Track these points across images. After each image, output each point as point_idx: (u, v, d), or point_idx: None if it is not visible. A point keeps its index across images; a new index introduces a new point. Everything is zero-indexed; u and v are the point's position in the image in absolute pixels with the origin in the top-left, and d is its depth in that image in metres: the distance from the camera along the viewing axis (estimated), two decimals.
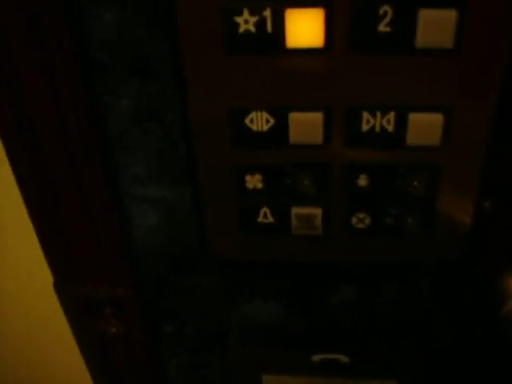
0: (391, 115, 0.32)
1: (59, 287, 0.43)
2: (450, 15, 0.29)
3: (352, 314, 0.42)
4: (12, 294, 0.74)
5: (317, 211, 0.35)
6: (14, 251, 0.69)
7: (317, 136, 0.33)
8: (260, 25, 0.29)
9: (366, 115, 0.32)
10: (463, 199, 0.35)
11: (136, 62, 0.32)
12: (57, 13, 0.31)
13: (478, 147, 0.33)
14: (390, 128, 0.32)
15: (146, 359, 0.48)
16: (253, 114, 0.32)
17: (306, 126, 0.32)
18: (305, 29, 0.30)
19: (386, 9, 0.29)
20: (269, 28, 0.29)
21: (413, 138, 0.32)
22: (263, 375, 0.46)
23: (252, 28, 0.30)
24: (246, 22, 0.29)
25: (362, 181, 0.34)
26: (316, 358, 0.44)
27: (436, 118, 0.32)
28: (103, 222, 0.39)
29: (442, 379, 0.45)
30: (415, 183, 0.34)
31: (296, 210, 0.36)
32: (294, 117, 0.32)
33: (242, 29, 0.30)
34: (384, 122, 0.32)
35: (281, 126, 0.32)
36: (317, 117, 0.32)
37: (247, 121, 0.32)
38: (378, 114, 0.32)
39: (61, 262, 0.42)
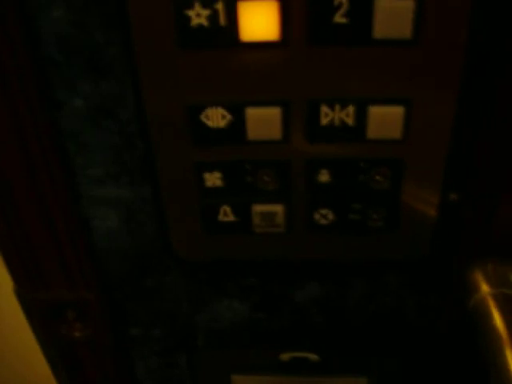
0: (350, 108, 0.31)
1: (20, 291, 0.42)
2: (408, 4, 0.28)
3: (319, 312, 0.41)
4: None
5: (278, 208, 0.35)
6: None
7: (275, 131, 0.32)
8: (213, 18, 0.28)
9: (324, 108, 0.31)
10: (428, 193, 0.35)
11: (89, 59, 0.31)
12: (8, 10, 0.29)
13: (440, 139, 0.33)
14: (350, 121, 0.31)
15: (113, 362, 0.47)
16: (208, 110, 0.31)
17: (263, 121, 0.32)
18: (259, 22, 0.29)
19: None
20: (222, 21, 0.29)
21: (373, 131, 0.32)
22: (232, 375, 0.45)
23: (205, 21, 0.29)
24: (198, 15, 0.28)
25: (324, 176, 0.33)
26: (285, 356, 0.43)
27: (396, 111, 0.31)
28: (62, 224, 0.38)
29: (412, 374, 0.45)
30: (378, 177, 0.33)
31: (257, 208, 0.35)
32: (251, 112, 0.31)
33: (194, 22, 0.29)
34: (343, 115, 0.31)
35: (238, 122, 0.32)
36: (274, 112, 0.31)
37: (203, 117, 0.32)
38: (337, 107, 0.31)
39: (20, 267, 0.41)
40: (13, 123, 0.33)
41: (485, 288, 0.35)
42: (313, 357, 0.44)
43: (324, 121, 0.31)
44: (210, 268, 0.39)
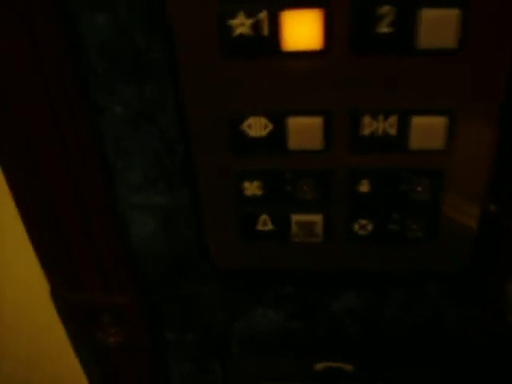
0: (393, 118, 0.31)
1: (56, 294, 0.42)
2: (452, 14, 0.28)
3: (355, 322, 0.41)
4: (11, 299, 0.74)
5: (317, 218, 0.35)
6: (12, 256, 0.68)
7: (317, 141, 0.32)
8: (256, 27, 0.28)
9: (367, 119, 0.31)
10: (468, 204, 0.34)
11: (131, 66, 0.31)
12: (50, 16, 0.30)
13: (483, 151, 0.32)
14: (393, 132, 0.31)
15: (147, 367, 0.47)
16: (250, 119, 0.31)
17: (305, 131, 0.31)
18: (302, 31, 0.29)
19: (386, 9, 0.28)
20: (265, 31, 0.29)
21: (416, 141, 0.31)
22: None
23: (248, 31, 0.29)
24: (241, 24, 0.28)
25: (364, 186, 0.33)
26: (319, 366, 0.43)
27: (439, 121, 0.31)
28: (101, 228, 0.38)
29: None
30: (418, 188, 0.33)
31: (296, 217, 0.35)
32: (293, 122, 0.31)
33: (237, 32, 0.29)
34: (386, 125, 0.31)
35: (279, 132, 0.31)
36: (316, 121, 0.31)
37: (245, 126, 0.32)
38: (380, 118, 0.31)
39: (57, 269, 0.41)
40: (53, 127, 0.34)
41: None
42: (347, 367, 0.43)
43: (366, 131, 0.31)
44: (245, 276, 0.39)
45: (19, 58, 0.31)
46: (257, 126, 0.31)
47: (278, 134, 0.32)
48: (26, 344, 0.80)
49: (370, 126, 0.31)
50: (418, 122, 0.31)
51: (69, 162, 0.35)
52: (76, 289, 0.41)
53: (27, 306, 0.73)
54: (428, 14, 0.28)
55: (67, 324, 0.43)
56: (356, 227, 0.35)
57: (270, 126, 0.31)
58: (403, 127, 0.31)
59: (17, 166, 0.36)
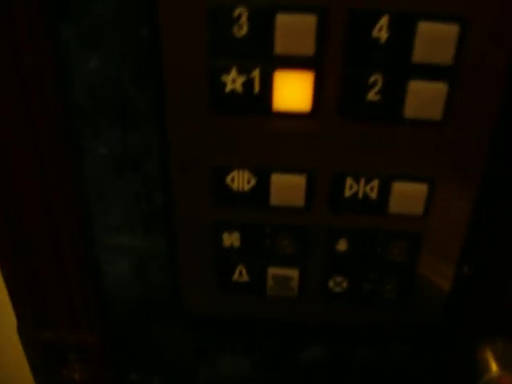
0: (375, 183, 0.31)
1: (23, 331, 0.42)
2: (440, 87, 0.28)
3: (323, 374, 0.41)
4: None
5: (294, 272, 0.35)
6: None
7: (298, 199, 0.32)
8: (247, 85, 0.29)
9: (349, 181, 0.31)
10: (443, 266, 0.35)
11: (119, 111, 0.31)
12: (42, 56, 0.30)
13: (459, 216, 0.33)
14: (373, 195, 0.32)
15: None
16: (234, 173, 0.32)
17: (288, 188, 0.32)
18: (293, 92, 0.29)
19: (376, 77, 0.28)
20: (256, 89, 0.29)
21: (395, 206, 0.32)
22: None
23: (239, 88, 0.29)
24: (233, 81, 0.29)
25: (342, 245, 0.34)
26: None
27: (420, 188, 0.31)
28: (74, 267, 0.38)
29: None
30: (395, 250, 0.34)
31: (272, 271, 0.35)
32: (277, 178, 0.31)
33: (228, 88, 0.29)
34: (367, 188, 0.31)
35: (262, 187, 0.32)
36: (299, 179, 0.31)
37: (228, 179, 0.32)
38: (362, 181, 0.31)
39: (26, 305, 0.40)
40: (34, 164, 0.33)
41: (494, 368, 0.35)
42: None
43: (348, 193, 0.32)
44: (217, 323, 0.39)
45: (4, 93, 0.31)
46: (240, 180, 0.32)
47: (261, 189, 0.32)
48: None
49: (351, 188, 0.31)
50: (398, 187, 0.31)
51: (46, 198, 0.35)
52: (44, 326, 0.41)
53: None
54: (416, 86, 0.28)
55: (32, 360, 0.43)
56: (331, 284, 0.35)
57: (253, 181, 0.32)
58: (384, 192, 0.31)
59: None
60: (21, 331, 0.41)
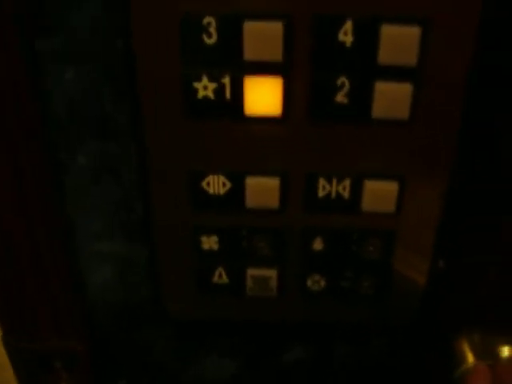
0: (347, 182, 0.32)
1: (8, 339, 0.42)
2: (406, 88, 0.29)
3: (306, 373, 0.41)
4: None
5: (272, 273, 0.35)
6: None
7: (273, 201, 0.33)
8: (219, 91, 0.29)
9: (322, 182, 0.32)
10: (418, 262, 0.36)
11: (96, 121, 0.32)
12: (17, 69, 0.30)
13: (431, 212, 0.34)
14: (346, 195, 0.32)
15: None
16: (210, 178, 0.32)
17: (262, 190, 0.32)
18: (263, 97, 0.30)
19: (343, 80, 0.29)
20: (227, 95, 0.30)
21: (368, 204, 0.33)
22: None
23: (211, 94, 0.30)
24: (205, 88, 0.29)
25: (318, 244, 0.34)
26: None
27: (391, 186, 0.32)
28: (56, 275, 0.38)
29: None
30: (370, 248, 0.34)
31: (251, 272, 0.35)
32: (251, 181, 0.32)
33: (200, 94, 0.30)
34: (340, 188, 0.32)
35: (237, 190, 0.32)
36: (273, 182, 0.32)
37: (204, 184, 0.32)
38: (334, 181, 0.32)
39: (10, 314, 0.41)
40: (13, 177, 0.34)
41: (471, 359, 0.36)
42: None
43: (321, 193, 0.32)
44: (199, 326, 0.40)
45: None
46: (216, 184, 0.32)
47: (236, 193, 0.32)
48: None
49: (324, 188, 0.32)
50: (370, 186, 0.32)
51: (26, 208, 0.35)
52: (29, 335, 0.41)
53: None
54: (382, 87, 0.29)
55: (17, 369, 0.43)
56: (309, 283, 0.36)
57: (229, 185, 0.32)
58: (356, 191, 0.32)
59: None
60: (6, 342, 0.41)
